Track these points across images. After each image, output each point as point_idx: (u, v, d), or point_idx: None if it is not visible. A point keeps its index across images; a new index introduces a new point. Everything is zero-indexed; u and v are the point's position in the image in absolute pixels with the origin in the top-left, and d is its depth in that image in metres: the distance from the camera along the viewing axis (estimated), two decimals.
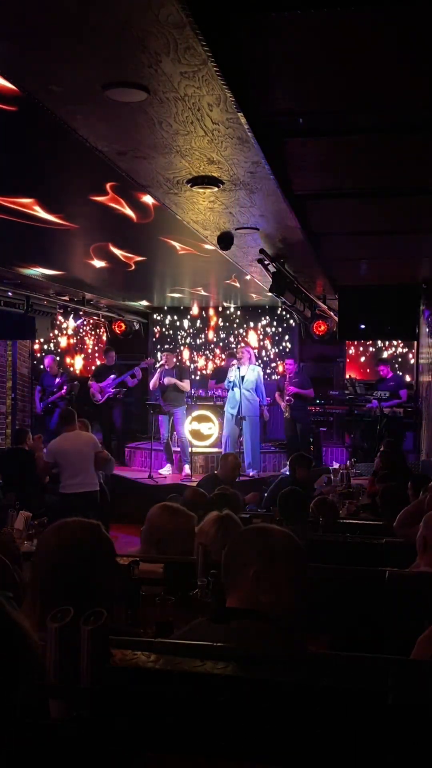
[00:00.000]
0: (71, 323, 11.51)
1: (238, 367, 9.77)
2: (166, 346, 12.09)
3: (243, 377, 9.71)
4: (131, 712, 1.42)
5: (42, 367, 11.36)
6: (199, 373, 12.22)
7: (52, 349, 12.11)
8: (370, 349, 11.79)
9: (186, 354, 12.34)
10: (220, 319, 12.31)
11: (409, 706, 1.36)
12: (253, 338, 12.09)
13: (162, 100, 3.02)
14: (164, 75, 2.75)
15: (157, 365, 10.21)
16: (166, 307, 12.31)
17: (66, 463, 6.75)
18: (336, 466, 8.73)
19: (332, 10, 2.51)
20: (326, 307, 9.81)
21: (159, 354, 11.62)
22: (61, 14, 2.36)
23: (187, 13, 2.26)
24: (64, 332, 12.22)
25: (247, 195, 4.56)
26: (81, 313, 10.29)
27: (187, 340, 12.46)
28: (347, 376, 11.52)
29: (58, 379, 10.88)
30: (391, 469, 6.73)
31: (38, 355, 11.63)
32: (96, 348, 12.69)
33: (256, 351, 11.79)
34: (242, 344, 11.33)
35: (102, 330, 12.49)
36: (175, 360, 10.62)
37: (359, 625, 3.02)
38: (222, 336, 12.35)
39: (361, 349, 11.97)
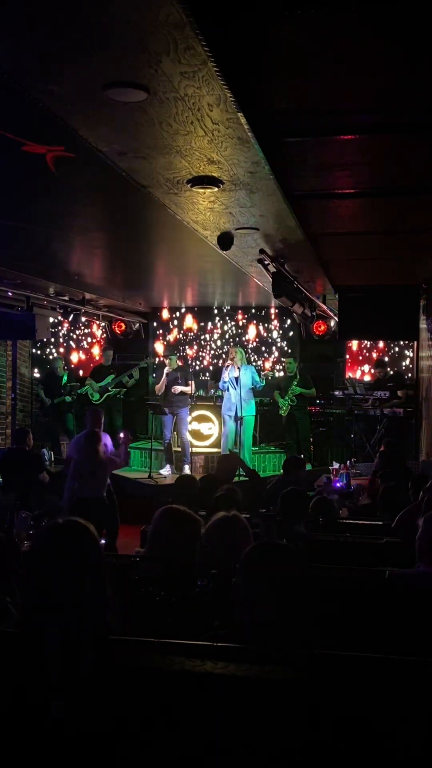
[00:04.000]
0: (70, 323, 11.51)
1: (232, 369, 9.81)
2: (171, 347, 12.05)
3: (237, 378, 9.74)
4: (132, 711, 1.42)
5: (45, 367, 11.37)
6: (199, 373, 12.21)
7: (53, 349, 12.11)
8: (379, 345, 11.72)
9: (188, 352, 12.35)
10: (220, 319, 12.29)
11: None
12: (252, 335, 12.10)
13: (162, 100, 3.02)
14: (164, 75, 2.75)
15: (166, 370, 10.24)
16: (165, 307, 12.29)
17: None
18: (336, 466, 8.72)
19: (332, 9, 2.51)
20: (326, 307, 9.81)
21: (165, 358, 11.58)
22: (61, 14, 2.35)
23: (187, 13, 2.26)
24: (64, 331, 12.22)
25: (247, 195, 4.55)
26: (81, 313, 10.30)
27: (188, 340, 12.45)
28: (347, 376, 11.50)
29: (65, 380, 10.94)
30: (391, 469, 6.73)
31: (37, 352, 11.64)
32: (96, 347, 12.68)
33: (259, 349, 11.78)
34: (232, 345, 11.34)
35: (101, 330, 12.47)
36: (179, 362, 10.65)
37: (359, 625, 3.02)
38: (222, 335, 12.34)
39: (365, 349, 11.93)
